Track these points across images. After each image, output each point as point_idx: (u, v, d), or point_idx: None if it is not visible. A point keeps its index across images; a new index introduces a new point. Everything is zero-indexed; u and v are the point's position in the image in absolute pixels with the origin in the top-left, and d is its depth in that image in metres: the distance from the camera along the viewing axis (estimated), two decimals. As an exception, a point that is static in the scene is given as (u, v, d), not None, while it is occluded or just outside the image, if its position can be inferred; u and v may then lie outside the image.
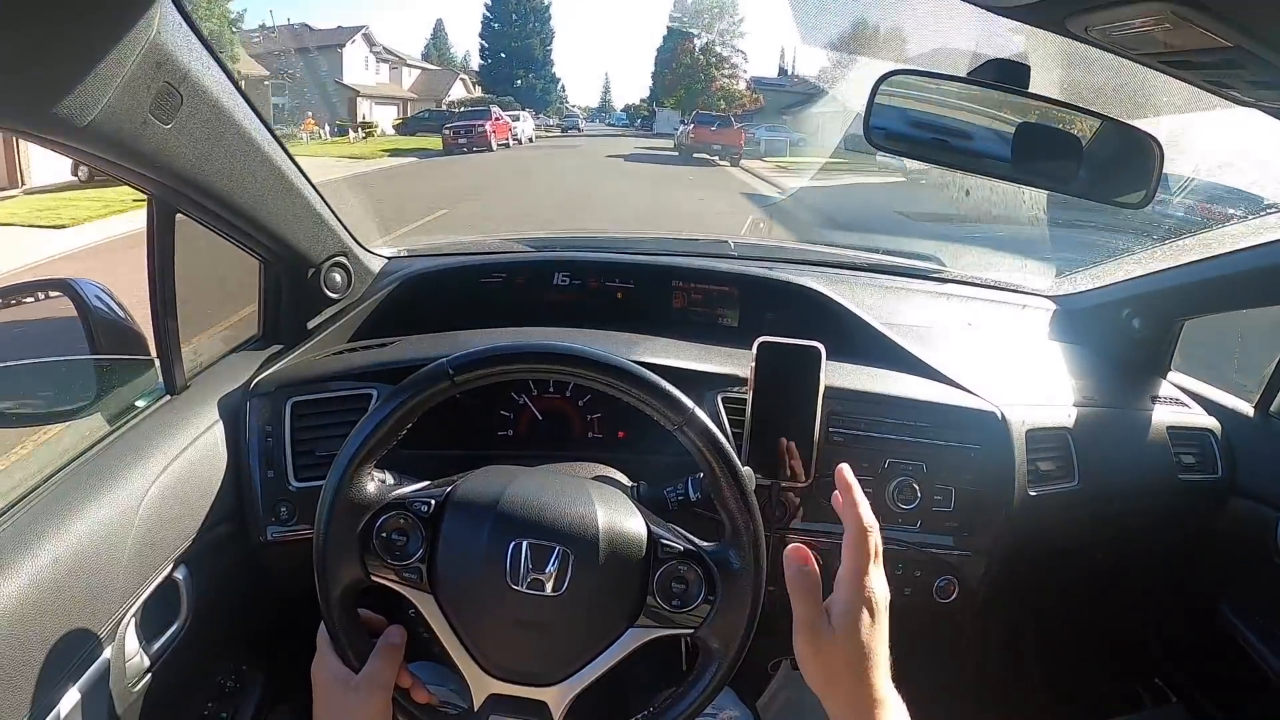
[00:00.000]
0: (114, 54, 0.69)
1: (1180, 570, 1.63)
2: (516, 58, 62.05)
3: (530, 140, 30.41)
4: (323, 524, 0.79)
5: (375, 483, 0.81)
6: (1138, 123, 1.02)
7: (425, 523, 0.81)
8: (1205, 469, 1.49)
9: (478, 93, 50.63)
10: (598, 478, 1.00)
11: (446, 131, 24.13)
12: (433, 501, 0.82)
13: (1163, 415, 1.50)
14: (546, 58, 63.94)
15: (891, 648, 0.89)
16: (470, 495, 0.84)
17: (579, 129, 50.61)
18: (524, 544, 0.79)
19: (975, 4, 0.71)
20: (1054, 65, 1.00)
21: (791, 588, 0.79)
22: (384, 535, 0.80)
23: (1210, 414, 1.55)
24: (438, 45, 65.26)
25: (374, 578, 0.81)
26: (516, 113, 32.15)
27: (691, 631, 0.83)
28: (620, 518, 0.84)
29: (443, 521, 0.82)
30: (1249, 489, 1.49)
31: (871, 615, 0.77)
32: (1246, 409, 1.56)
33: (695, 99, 49.20)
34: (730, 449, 0.83)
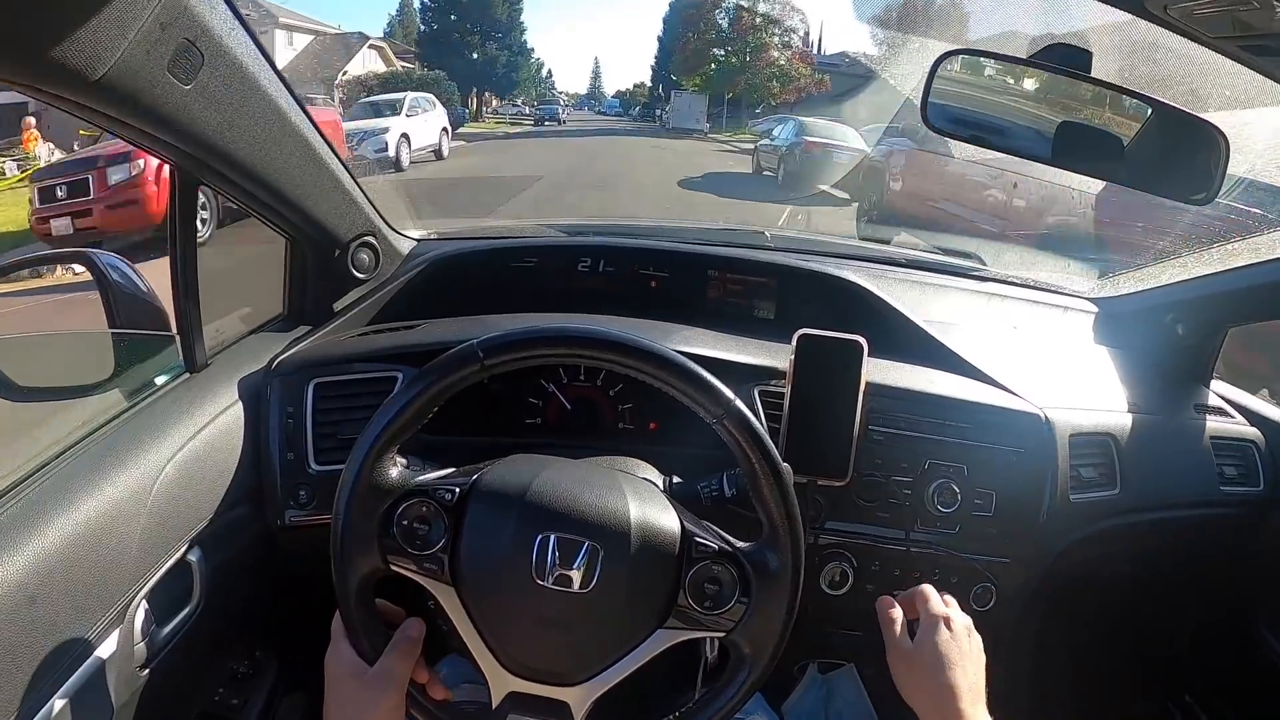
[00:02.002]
0: (127, 2, 0.66)
1: (1216, 584, 1.59)
2: (470, 18, 40.23)
3: (439, 154, 15.83)
4: (341, 509, 0.76)
5: (398, 468, 0.78)
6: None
7: (448, 511, 0.78)
8: (1248, 481, 1.44)
9: (400, 67, 33.81)
10: (629, 471, 0.97)
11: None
12: (457, 490, 0.79)
13: (1205, 424, 1.45)
14: (515, 20, 42.47)
15: None
16: (497, 484, 0.80)
17: (558, 119, 37.83)
18: (552, 537, 0.76)
19: None
20: (1116, 53, 0.96)
21: (883, 621, 0.94)
22: (405, 523, 0.77)
23: (1253, 424, 1.50)
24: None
25: (393, 567, 0.77)
26: (401, 99, 15.07)
27: (723, 635, 0.80)
28: (653, 513, 0.81)
29: (467, 511, 0.78)
30: None
31: (949, 628, 0.90)
32: None
33: (730, 78, 35.69)
34: (771, 444, 0.79)
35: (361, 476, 0.76)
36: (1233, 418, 1.50)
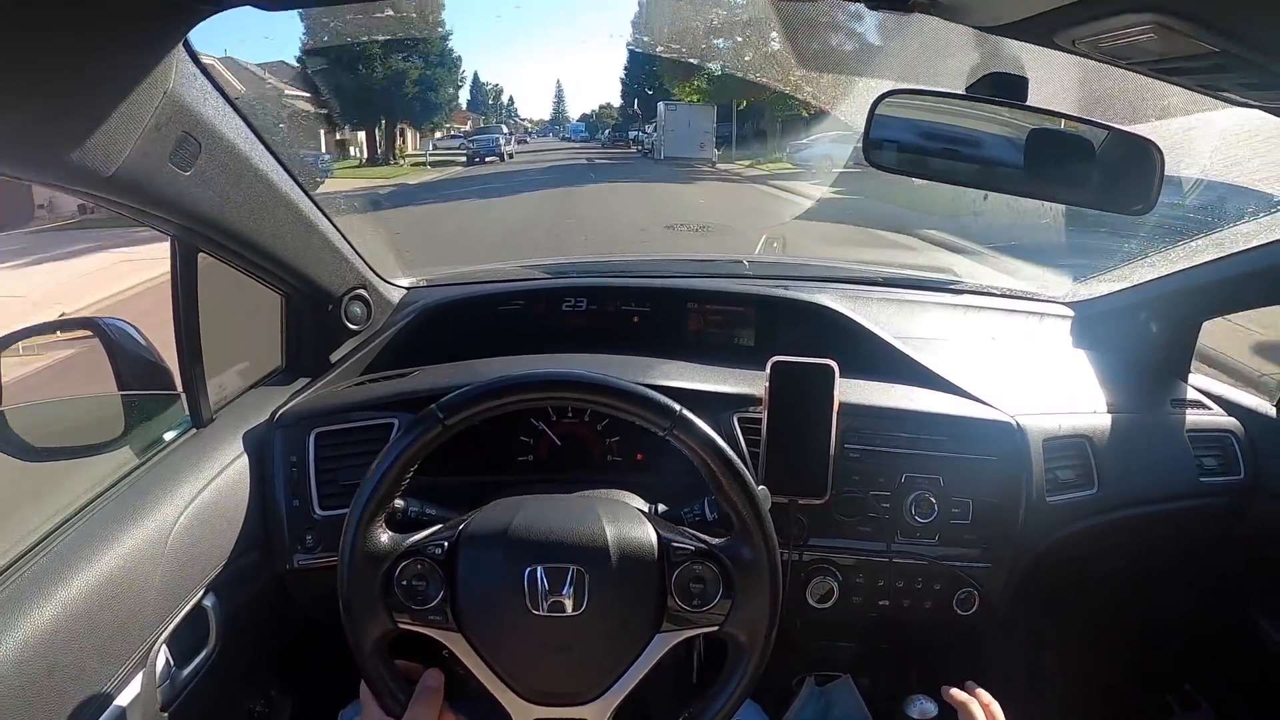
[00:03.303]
0: (133, 108, 0.73)
1: (1206, 574, 1.61)
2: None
3: None
4: (344, 582, 0.82)
5: (388, 534, 0.84)
6: (1140, 127, 1.02)
7: (441, 565, 0.84)
8: (1228, 471, 1.48)
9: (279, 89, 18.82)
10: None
11: None
12: (445, 544, 0.85)
13: (1183, 418, 1.49)
14: (431, 20, 27.78)
15: (914, 662, 0.91)
16: (480, 531, 0.86)
17: (498, 153, 26.64)
18: (538, 569, 0.81)
19: (964, 24, 0.73)
20: (1053, 74, 1.01)
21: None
22: (404, 583, 0.83)
23: (1231, 414, 1.53)
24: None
25: (401, 626, 0.83)
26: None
27: (716, 629, 0.85)
28: (629, 528, 0.86)
29: (458, 561, 0.84)
30: (1273, 489, 1.47)
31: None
32: (1269, 409, 1.54)
33: (733, 87, 23.17)
34: (724, 444, 0.84)
35: (356, 549, 0.82)
36: (1210, 409, 1.54)
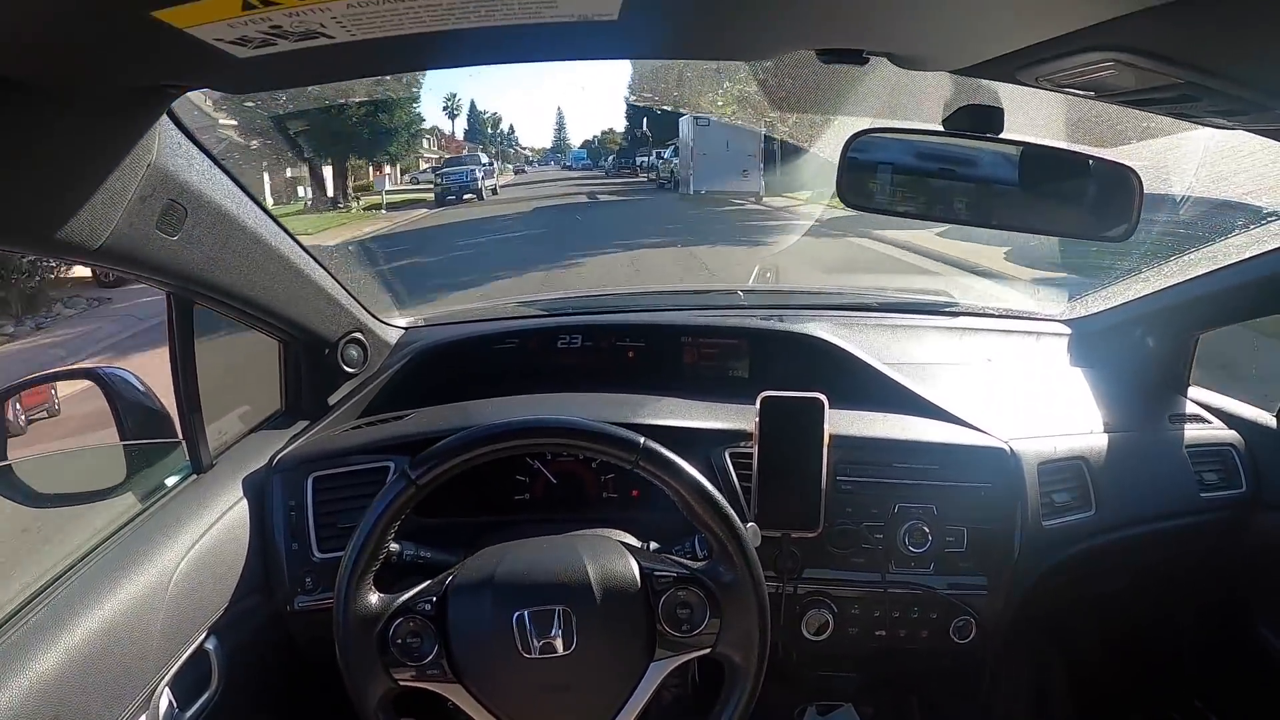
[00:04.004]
0: (117, 182, 0.75)
1: (1210, 589, 1.60)
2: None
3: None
4: (341, 645, 0.84)
5: (377, 596, 0.86)
6: (1124, 150, 1.03)
7: (432, 620, 0.86)
8: (1229, 484, 1.46)
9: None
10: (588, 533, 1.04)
11: None
12: (434, 598, 0.87)
13: (1181, 433, 1.48)
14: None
15: (916, 690, 0.90)
16: (466, 582, 0.88)
17: (474, 189, 20.29)
18: (525, 614, 0.84)
19: (924, 70, 0.74)
20: (1028, 103, 1.02)
21: None
22: (399, 642, 0.85)
23: (1231, 427, 1.52)
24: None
25: (401, 683, 0.85)
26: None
27: (709, 650, 0.87)
28: (609, 562, 0.88)
29: (448, 614, 0.86)
30: (1275, 501, 1.46)
31: None
32: (1269, 420, 1.53)
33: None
34: (691, 469, 0.86)
35: (348, 613, 0.84)
36: (1210, 423, 1.53)
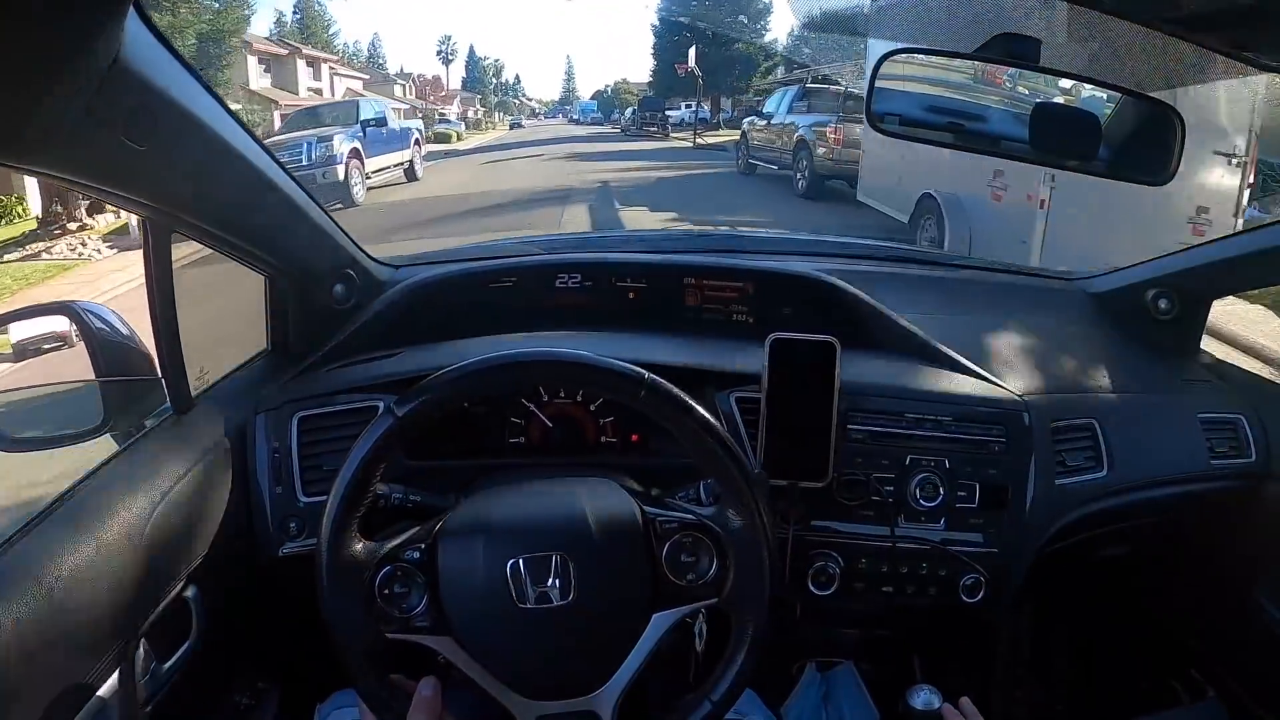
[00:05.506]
0: (75, 76, 0.67)
1: (1214, 559, 1.58)
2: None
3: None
4: (325, 596, 0.79)
5: (362, 543, 0.81)
6: (1168, 94, 0.98)
7: (421, 569, 0.81)
8: (1239, 453, 1.44)
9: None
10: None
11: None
12: (422, 545, 0.82)
13: (1193, 399, 1.45)
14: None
15: (918, 650, 0.87)
16: (456, 528, 0.83)
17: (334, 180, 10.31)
18: (519, 560, 0.78)
19: None
20: (1068, 38, 0.96)
21: None
22: (385, 592, 0.80)
23: (1242, 395, 1.49)
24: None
25: (388, 635, 0.80)
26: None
27: (715, 601, 0.82)
28: (609, 506, 0.83)
29: (437, 562, 0.81)
30: None
31: None
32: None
33: None
34: (695, 404, 0.80)
35: (332, 561, 0.79)
36: (1221, 390, 1.50)
